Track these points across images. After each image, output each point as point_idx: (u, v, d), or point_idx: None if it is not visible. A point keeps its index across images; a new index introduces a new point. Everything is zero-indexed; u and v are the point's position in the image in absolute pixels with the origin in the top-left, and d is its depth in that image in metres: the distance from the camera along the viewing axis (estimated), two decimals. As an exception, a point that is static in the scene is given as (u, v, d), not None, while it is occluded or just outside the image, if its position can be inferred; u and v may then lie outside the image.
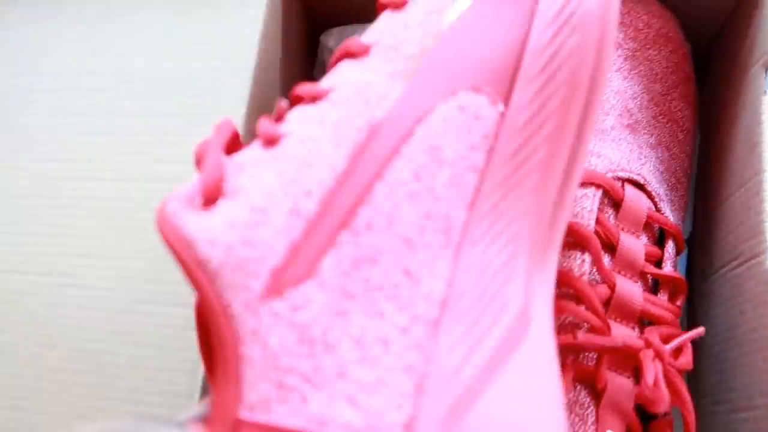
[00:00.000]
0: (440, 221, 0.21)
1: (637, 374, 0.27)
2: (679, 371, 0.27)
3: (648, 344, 0.25)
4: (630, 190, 0.30)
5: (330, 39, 0.40)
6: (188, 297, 0.30)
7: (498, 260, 0.21)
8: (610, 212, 0.30)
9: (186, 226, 0.20)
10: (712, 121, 0.36)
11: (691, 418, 0.26)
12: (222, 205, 0.20)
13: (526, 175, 0.21)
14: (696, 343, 0.36)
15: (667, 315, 0.29)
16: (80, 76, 0.33)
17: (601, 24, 0.21)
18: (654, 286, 0.30)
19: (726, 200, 0.33)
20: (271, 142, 0.22)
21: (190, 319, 0.29)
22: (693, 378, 0.35)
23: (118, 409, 0.29)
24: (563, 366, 0.25)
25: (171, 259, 0.30)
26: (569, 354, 0.25)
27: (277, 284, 0.19)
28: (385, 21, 0.24)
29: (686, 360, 0.27)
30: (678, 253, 0.31)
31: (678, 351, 0.28)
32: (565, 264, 0.28)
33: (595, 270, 0.28)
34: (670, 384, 0.26)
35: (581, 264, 0.27)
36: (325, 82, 0.23)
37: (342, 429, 0.18)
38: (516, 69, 0.22)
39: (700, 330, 0.27)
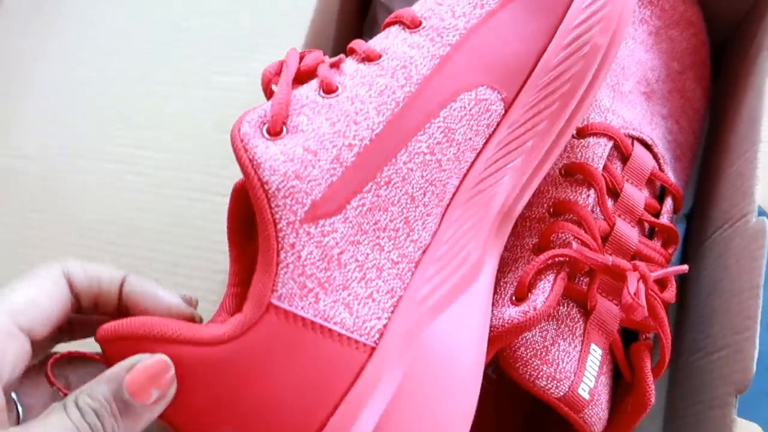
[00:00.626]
0: (439, 186, 0.26)
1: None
2: (664, 302, 0.31)
3: (635, 268, 0.29)
4: (638, 148, 0.34)
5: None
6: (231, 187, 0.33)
7: (471, 221, 0.27)
8: (618, 164, 0.33)
9: (255, 149, 0.24)
10: (721, 106, 0.39)
11: (668, 340, 0.29)
12: (284, 138, 0.25)
13: (511, 159, 0.27)
14: (683, 303, 0.39)
15: (657, 257, 0.32)
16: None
17: (603, 58, 0.28)
18: (650, 234, 0.33)
19: (724, 172, 0.36)
20: (328, 90, 0.26)
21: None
22: (679, 334, 0.38)
23: (163, 279, 0.33)
24: (555, 278, 0.28)
25: (219, 154, 0.34)
26: (563, 267, 0.29)
27: (315, 213, 0.24)
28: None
29: (669, 294, 0.31)
30: (675, 211, 0.35)
31: (663, 286, 0.31)
32: (572, 196, 0.31)
33: (598, 209, 0.31)
34: (650, 308, 0.29)
35: (586, 198, 0.31)
36: (378, 43, 0.28)
37: (337, 326, 0.24)
38: (528, 76, 0.27)
39: (684, 267, 0.30)
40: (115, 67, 0.36)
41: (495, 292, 0.29)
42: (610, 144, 0.33)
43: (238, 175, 0.33)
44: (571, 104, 0.28)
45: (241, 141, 0.24)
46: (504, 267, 0.30)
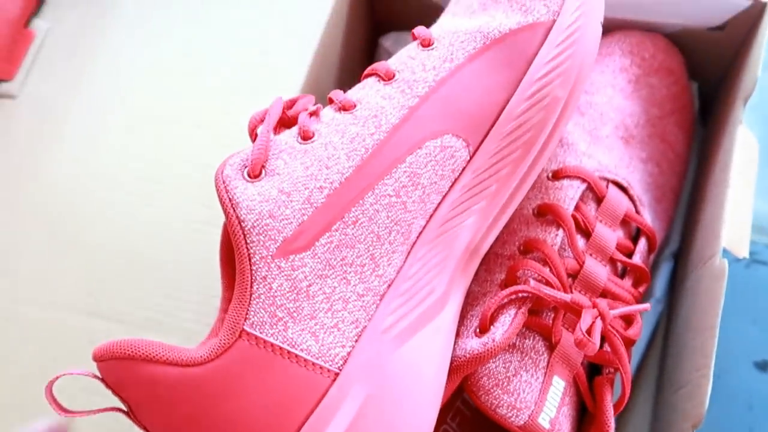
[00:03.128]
0: (405, 226, 0.29)
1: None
2: (629, 340, 0.32)
3: (594, 305, 0.30)
4: (613, 190, 0.35)
5: (387, 41, 0.46)
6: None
7: (436, 258, 0.29)
8: (592, 205, 0.35)
9: (234, 190, 0.27)
10: (703, 150, 0.41)
11: (627, 377, 0.31)
12: (262, 181, 0.28)
13: (475, 202, 0.30)
14: (667, 340, 0.40)
15: (626, 295, 0.33)
16: (181, 45, 0.41)
17: (563, 109, 0.30)
18: (623, 273, 0.35)
19: (702, 214, 0.38)
20: (305, 137, 0.29)
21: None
22: (662, 370, 0.39)
23: (165, 302, 0.36)
24: (516, 313, 0.30)
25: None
26: (524, 303, 0.31)
27: (286, 249, 0.27)
28: (411, 53, 0.31)
29: (634, 331, 0.32)
30: (650, 251, 0.36)
31: (629, 323, 0.33)
32: (541, 236, 0.33)
33: (568, 247, 0.33)
34: (610, 344, 0.30)
35: (554, 237, 0.33)
36: (354, 94, 0.31)
37: (303, 352, 0.26)
38: (492, 125, 0.30)
39: (646, 305, 0.32)
40: (132, 108, 0.40)
41: (462, 325, 0.31)
42: (584, 186, 0.35)
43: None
44: (533, 151, 0.30)
45: (223, 182, 0.27)
46: (473, 300, 0.32)
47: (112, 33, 0.43)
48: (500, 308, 0.31)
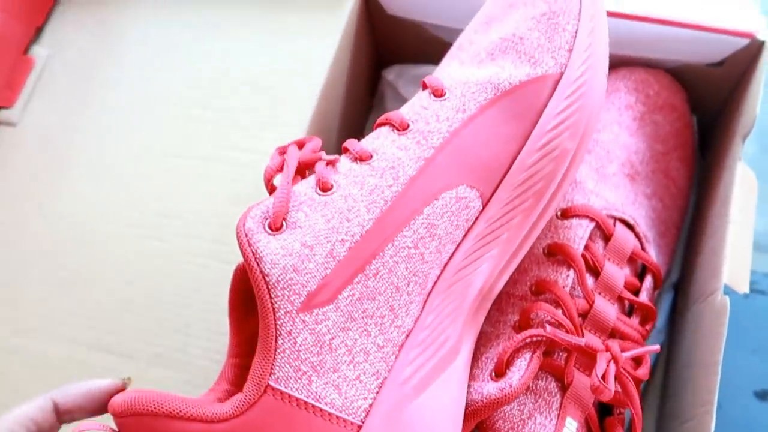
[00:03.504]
0: (422, 276, 0.29)
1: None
2: (638, 380, 0.33)
3: (607, 348, 0.31)
4: (620, 228, 0.36)
5: (390, 73, 0.47)
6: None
7: (450, 307, 0.30)
8: (600, 243, 0.35)
9: (257, 244, 0.27)
10: (704, 183, 0.41)
11: (638, 419, 0.31)
12: (284, 234, 0.28)
13: (487, 250, 0.30)
14: (668, 371, 0.41)
15: (634, 334, 0.34)
16: (185, 77, 0.41)
17: (572, 159, 0.31)
18: (630, 310, 0.36)
19: (702, 248, 0.38)
20: (324, 188, 0.29)
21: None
22: (664, 402, 0.40)
23: (173, 338, 0.36)
24: (531, 357, 0.31)
25: (230, 224, 0.37)
26: (539, 346, 0.31)
27: (309, 303, 0.27)
28: (424, 103, 0.32)
29: (643, 371, 0.33)
30: (656, 288, 0.37)
31: (638, 363, 0.33)
32: (552, 276, 0.33)
33: (578, 287, 0.34)
34: (622, 386, 0.31)
35: (565, 278, 0.33)
36: (370, 143, 0.31)
37: (327, 405, 0.26)
38: (504, 175, 0.30)
39: (656, 347, 0.32)
40: (140, 144, 0.40)
41: (476, 367, 0.32)
42: (592, 225, 0.35)
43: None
44: (543, 200, 0.30)
45: (246, 235, 0.27)
46: (487, 342, 0.33)
47: (112, 60, 0.43)
48: (515, 351, 0.31)
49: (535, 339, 0.31)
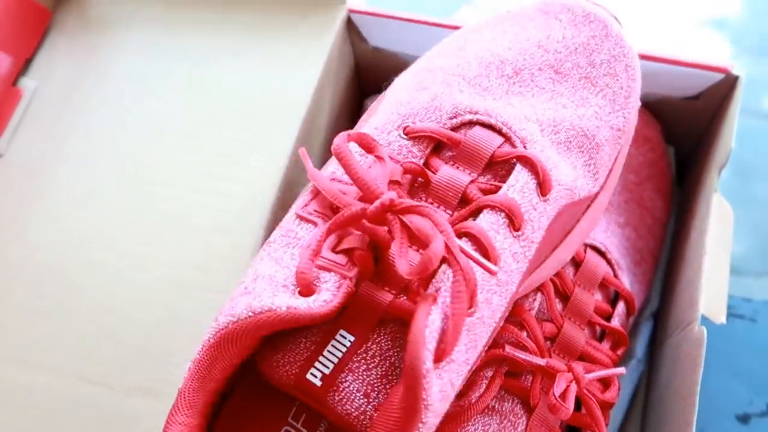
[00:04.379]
0: None
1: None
2: (606, 403, 0.33)
3: (569, 369, 0.31)
4: (591, 255, 0.36)
5: (372, 102, 0.48)
6: (225, 285, 0.37)
7: None
8: (570, 269, 0.36)
9: (430, 389, 0.22)
10: (681, 214, 0.42)
11: (604, 440, 0.31)
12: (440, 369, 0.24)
13: None
14: (647, 401, 0.40)
15: (604, 359, 0.34)
16: (168, 103, 0.43)
17: None
18: (601, 336, 0.36)
19: (680, 278, 0.38)
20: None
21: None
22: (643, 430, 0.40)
23: (154, 368, 0.36)
24: (493, 376, 0.31)
25: (214, 254, 0.38)
26: (501, 366, 0.31)
27: None
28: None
29: (611, 395, 0.33)
30: (629, 314, 0.37)
31: (606, 386, 0.33)
32: (520, 301, 0.34)
33: (547, 311, 0.34)
34: (586, 407, 0.31)
35: (532, 302, 0.34)
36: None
37: None
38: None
39: (621, 369, 0.32)
40: (124, 173, 0.41)
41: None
42: (562, 251, 0.36)
43: (230, 272, 0.37)
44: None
45: (425, 376, 0.22)
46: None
47: (101, 93, 0.44)
48: (478, 370, 0.31)
49: (497, 358, 0.32)
